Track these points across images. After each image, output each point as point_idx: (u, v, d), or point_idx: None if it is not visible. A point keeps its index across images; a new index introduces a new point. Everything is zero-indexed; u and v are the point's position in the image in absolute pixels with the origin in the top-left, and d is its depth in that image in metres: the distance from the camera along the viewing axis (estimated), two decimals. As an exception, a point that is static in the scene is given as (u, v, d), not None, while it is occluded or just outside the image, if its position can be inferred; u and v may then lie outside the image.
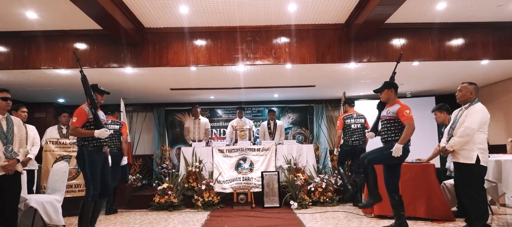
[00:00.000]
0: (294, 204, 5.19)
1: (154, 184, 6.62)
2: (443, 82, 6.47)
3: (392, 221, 3.72)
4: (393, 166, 3.61)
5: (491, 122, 6.55)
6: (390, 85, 3.63)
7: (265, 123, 7.14)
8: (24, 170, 3.53)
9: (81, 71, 3.67)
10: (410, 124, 3.37)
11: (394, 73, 3.85)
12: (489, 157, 3.59)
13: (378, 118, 3.76)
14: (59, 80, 5.59)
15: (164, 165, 7.13)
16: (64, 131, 6.01)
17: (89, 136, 3.58)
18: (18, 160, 3.31)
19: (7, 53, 4.83)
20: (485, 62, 5.03)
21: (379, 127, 3.76)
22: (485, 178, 3.54)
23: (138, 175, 6.60)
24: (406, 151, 3.46)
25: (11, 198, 3.29)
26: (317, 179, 5.46)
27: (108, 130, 3.68)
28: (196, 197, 5.32)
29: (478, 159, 3.35)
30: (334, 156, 6.60)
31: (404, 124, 3.40)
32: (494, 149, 6.30)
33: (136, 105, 8.01)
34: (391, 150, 3.42)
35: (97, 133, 3.56)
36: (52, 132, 5.88)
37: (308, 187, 5.33)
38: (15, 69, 4.82)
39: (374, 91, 3.78)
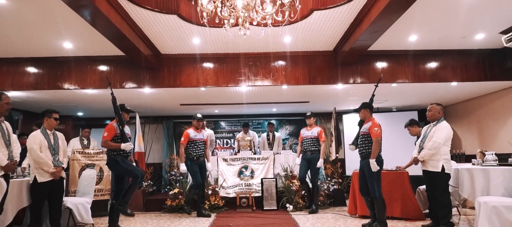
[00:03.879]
0: (290, 207, 5.89)
1: (165, 190, 7.32)
2: (422, 99, 7.25)
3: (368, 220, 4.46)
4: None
5: (466, 134, 7.38)
6: (366, 106, 4.40)
7: (265, 134, 7.90)
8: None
9: (111, 94, 4.41)
10: (376, 140, 4.13)
11: (373, 95, 4.62)
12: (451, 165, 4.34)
13: (358, 133, 4.51)
14: (84, 98, 6.36)
15: (173, 173, 7.80)
16: (85, 142, 6.77)
17: (117, 148, 4.32)
18: (63, 168, 4.06)
19: (43, 75, 5.59)
20: (454, 84, 5.81)
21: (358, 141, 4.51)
22: (449, 183, 4.29)
23: (149, 181, 7.33)
24: (380, 162, 4.20)
25: (57, 199, 4.04)
26: (310, 185, 6.18)
27: (132, 144, 4.43)
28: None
29: (443, 168, 4.07)
30: (327, 165, 7.26)
31: (372, 139, 4.16)
32: (469, 158, 7.04)
33: (148, 118, 8.78)
34: (372, 169, 4.14)
35: (123, 145, 4.29)
36: (75, 143, 6.63)
37: (302, 192, 6.04)
38: (49, 89, 5.57)
39: (354, 110, 4.55)
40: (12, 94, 5.59)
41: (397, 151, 6.59)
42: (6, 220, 3.59)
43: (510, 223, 3.34)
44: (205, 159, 5.75)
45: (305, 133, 5.86)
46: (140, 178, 4.36)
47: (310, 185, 5.90)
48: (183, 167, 5.56)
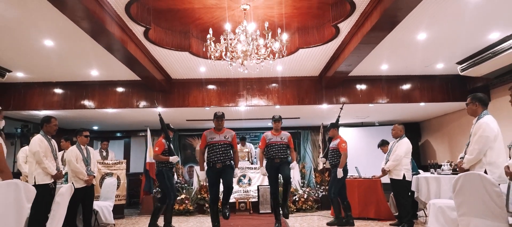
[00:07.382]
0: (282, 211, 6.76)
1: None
2: (400, 115, 8.21)
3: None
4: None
5: (440, 146, 8.34)
6: (334, 125, 5.34)
7: (261, 146, 8.77)
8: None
9: (159, 114, 5.12)
10: (344, 154, 5.06)
11: (338, 117, 5.54)
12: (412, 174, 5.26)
13: (327, 148, 5.43)
14: (104, 116, 7.28)
15: (178, 181, 8.65)
16: (104, 154, 7.65)
17: (166, 160, 4.95)
18: (94, 176, 4.95)
19: (70, 96, 6.51)
20: (422, 104, 6.77)
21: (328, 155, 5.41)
22: (413, 189, 5.20)
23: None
24: (345, 171, 5.12)
25: (89, 202, 4.91)
26: (301, 191, 7.08)
27: (178, 157, 5.20)
28: (206, 205, 6.86)
29: (404, 176, 5.01)
30: (316, 173, 8.16)
31: (341, 153, 5.09)
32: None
33: (156, 131, 9.66)
34: (338, 176, 5.05)
35: (172, 158, 4.95)
36: (96, 155, 7.50)
37: (294, 198, 6.92)
38: (76, 108, 6.49)
39: (325, 130, 5.47)
40: (43, 112, 6.51)
41: (380, 161, 7.48)
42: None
43: (451, 219, 4.24)
44: (230, 164, 4.45)
45: (272, 138, 4.87)
46: (173, 200, 4.95)
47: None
48: (202, 176, 4.57)
